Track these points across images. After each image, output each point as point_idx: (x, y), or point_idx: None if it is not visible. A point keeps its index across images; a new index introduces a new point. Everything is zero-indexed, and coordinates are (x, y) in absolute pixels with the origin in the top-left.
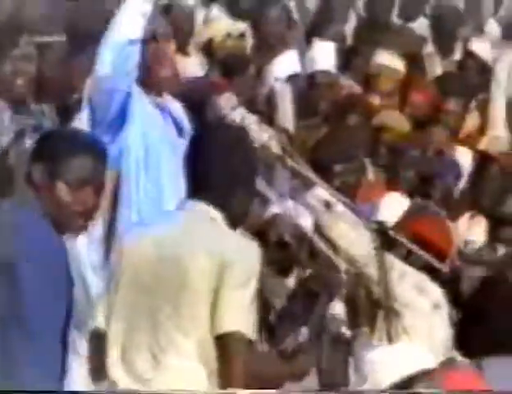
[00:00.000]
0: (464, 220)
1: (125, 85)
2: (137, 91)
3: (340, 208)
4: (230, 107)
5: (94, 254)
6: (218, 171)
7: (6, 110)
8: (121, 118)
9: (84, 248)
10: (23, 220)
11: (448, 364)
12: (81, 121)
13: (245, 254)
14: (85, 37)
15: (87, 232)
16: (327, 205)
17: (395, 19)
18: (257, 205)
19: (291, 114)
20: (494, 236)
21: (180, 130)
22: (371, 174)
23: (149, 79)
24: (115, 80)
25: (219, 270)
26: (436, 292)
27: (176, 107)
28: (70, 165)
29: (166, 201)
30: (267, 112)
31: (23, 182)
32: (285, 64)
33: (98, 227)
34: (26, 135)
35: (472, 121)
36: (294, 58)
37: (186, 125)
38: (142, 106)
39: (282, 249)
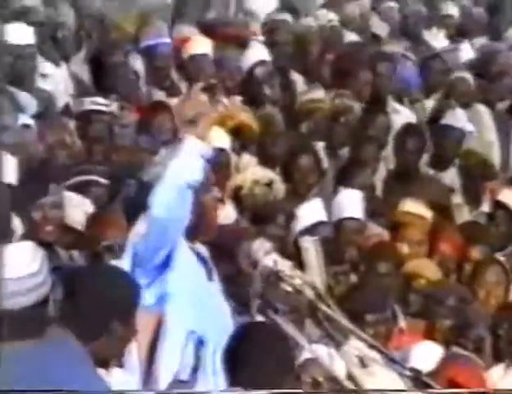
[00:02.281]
0: (498, 369)
1: (178, 230)
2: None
3: (374, 364)
4: (264, 253)
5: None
6: (257, 365)
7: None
8: (166, 262)
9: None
10: (60, 365)
11: None
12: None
13: None
14: (117, 182)
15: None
16: (362, 362)
17: (426, 168)
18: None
19: (318, 270)
20: None
21: (209, 273)
22: (402, 322)
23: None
24: (170, 223)
25: None
26: None
27: (204, 251)
28: None
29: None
30: (297, 257)
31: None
32: (310, 212)
33: (134, 364)
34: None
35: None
36: (318, 206)
37: (213, 268)
38: (184, 251)
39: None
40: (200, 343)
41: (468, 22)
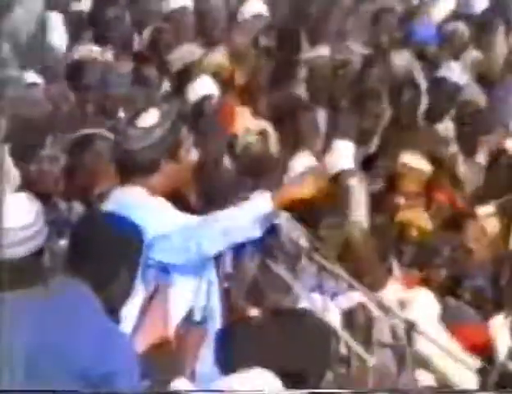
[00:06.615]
0: (496, 320)
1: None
2: None
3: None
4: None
5: None
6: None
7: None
8: None
9: None
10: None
11: None
12: None
13: None
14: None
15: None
16: (363, 307)
17: (421, 121)
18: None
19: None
20: None
21: None
22: (397, 272)
23: None
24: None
25: None
26: None
27: None
28: None
29: None
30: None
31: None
32: (303, 163)
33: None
34: (58, 233)
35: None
36: (309, 156)
37: None
38: None
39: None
40: (211, 284)
41: None
